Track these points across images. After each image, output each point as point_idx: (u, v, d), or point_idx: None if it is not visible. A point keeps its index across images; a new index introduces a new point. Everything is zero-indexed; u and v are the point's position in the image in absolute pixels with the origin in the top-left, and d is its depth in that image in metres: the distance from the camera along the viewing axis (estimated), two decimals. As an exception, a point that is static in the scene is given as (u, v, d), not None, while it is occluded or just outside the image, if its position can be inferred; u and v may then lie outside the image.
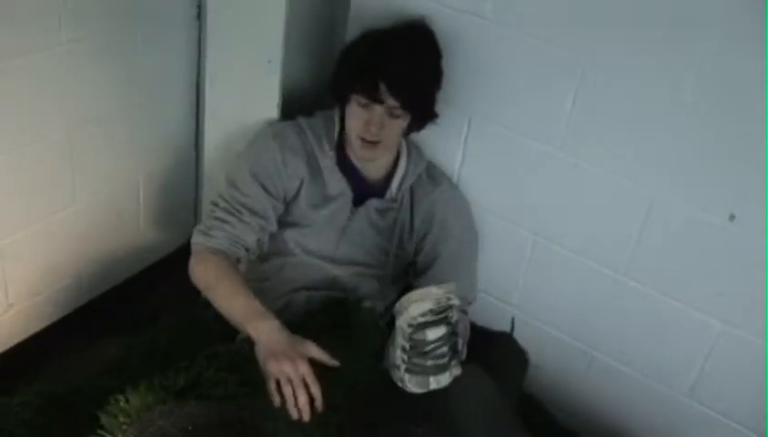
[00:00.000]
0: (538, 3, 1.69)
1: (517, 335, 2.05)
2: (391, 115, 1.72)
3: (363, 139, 1.74)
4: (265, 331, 1.54)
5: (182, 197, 2.50)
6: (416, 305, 1.51)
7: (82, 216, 2.15)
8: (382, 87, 1.68)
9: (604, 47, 1.65)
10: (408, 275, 1.96)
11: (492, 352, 1.99)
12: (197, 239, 1.77)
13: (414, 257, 1.91)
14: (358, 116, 1.73)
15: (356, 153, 1.80)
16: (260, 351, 1.52)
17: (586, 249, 1.85)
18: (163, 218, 2.46)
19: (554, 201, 1.85)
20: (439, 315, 1.52)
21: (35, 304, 2.15)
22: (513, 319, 2.03)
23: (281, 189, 1.79)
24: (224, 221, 1.75)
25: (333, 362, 1.52)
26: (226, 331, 1.92)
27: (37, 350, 2.16)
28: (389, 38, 1.73)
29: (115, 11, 1.97)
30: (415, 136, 1.91)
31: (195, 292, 2.36)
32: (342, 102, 1.76)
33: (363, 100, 1.71)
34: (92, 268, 2.28)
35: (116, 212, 2.27)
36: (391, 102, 1.70)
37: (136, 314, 2.35)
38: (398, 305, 1.56)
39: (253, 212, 1.76)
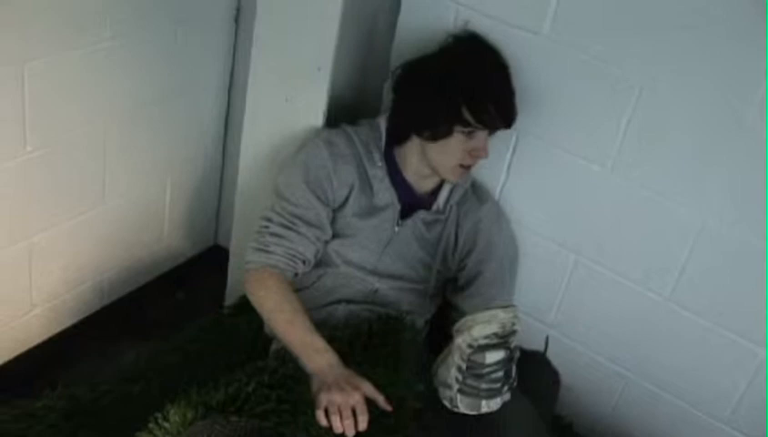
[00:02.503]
0: (598, 23, 1.67)
1: (550, 355, 2.03)
2: (490, 134, 1.72)
3: (462, 166, 1.73)
4: (322, 366, 1.55)
5: (206, 203, 2.48)
6: (481, 327, 1.49)
7: (109, 217, 2.13)
8: (492, 111, 1.67)
9: (663, 70, 1.64)
10: (445, 291, 1.93)
11: (525, 372, 1.97)
12: (254, 258, 1.72)
13: (456, 273, 1.89)
14: (461, 146, 1.70)
15: (447, 178, 1.79)
16: (315, 383, 1.53)
17: (630, 272, 1.83)
18: (187, 222, 2.44)
19: (600, 222, 1.83)
20: (501, 339, 1.50)
21: (57, 306, 2.13)
22: (547, 338, 2.01)
23: (332, 197, 1.76)
24: (281, 236, 1.72)
25: (386, 406, 1.51)
26: (257, 340, 1.90)
27: (57, 352, 2.14)
28: (472, 59, 1.71)
29: (156, 9, 1.95)
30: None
31: (214, 298, 2.34)
32: (440, 137, 1.70)
33: (468, 129, 1.68)
34: (114, 270, 2.26)
35: (142, 215, 2.25)
36: (498, 123, 1.69)
37: (155, 319, 2.34)
38: (459, 324, 1.54)
39: (308, 223, 1.73)
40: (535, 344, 2.04)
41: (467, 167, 1.75)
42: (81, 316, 2.21)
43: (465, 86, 1.67)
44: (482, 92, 1.67)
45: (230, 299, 2.25)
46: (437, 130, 1.69)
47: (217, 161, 2.42)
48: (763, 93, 1.55)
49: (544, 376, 2.04)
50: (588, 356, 1.98)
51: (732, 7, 1.53)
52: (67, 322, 2.18)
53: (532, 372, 2.02)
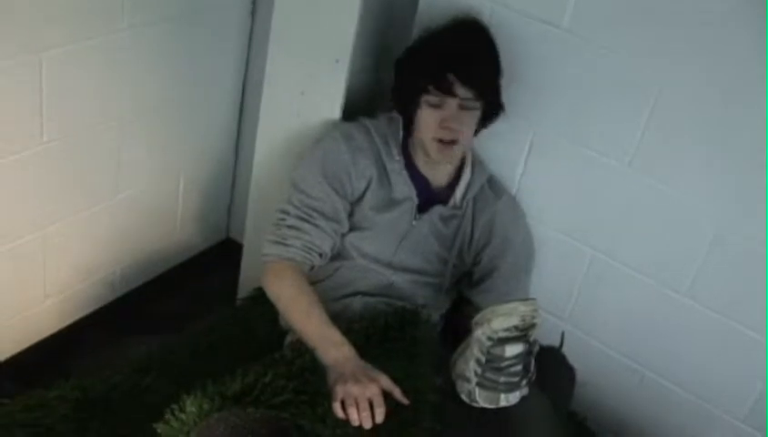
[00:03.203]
0: (620, 17, 1.67)
1: (565, 350, 2.02)
2: (463, 107, 1.69)
3: (440, 141, 1.71)
4: (338, 359, 1.54)
5: (219, 197, 2.48)
6: (501, 319, 1.48)
7: (123, 209, 2.12)
8: (451, 78, 1.66)
9: (684, 66, 1.63)
10: (460, 286, 1.92)
11: (540, 367, 1.96)
12: (271, 250, 1.72)
13: (471, 267, 1.88)
14: (431, 118, 1.70)
15: (432, 157, 1.76)
16: (331, 376, 1.52)
17: (647, 268, 1.82)
18: (200, 216, 2.43)
19: (617, 218, 1.82)
20: (521, 332, 1.49)
21: (70, 297, 2.13)
22: (563, 333, 1.99)
23: (350, 191, 1.76)
24: (298, 229, 1.71)
25: (403, 399, 1.50)
26: (271, 333, 1.90)
27: (69, 343, 2.14)
28: (448, 33, 1.72)
29: (172, 0, 1.94)
30: (477, 147, 1.89)
31: (225, 291, 2.34)
32: (410, 110, 1.72)
33: (434, 99, 1.68)
34: (126, 262, 2.25)
35: (155, 208, 2.25)
36: (463, 92, 1.67)
37: (166, 311, 2.33)
38: (479, 316, 1.52)
39: (325, 216, 1.72)
40: (550, 339, 2.02)
41: (446, 143, 1.72)
42: (93, 307, 2.21)
43: (430, 55, 1.70)
44: (443, 60, 1.68)
45: (243, 292, 2.24)
46: (410, 103, 1.71)
47: (230, 155, 2.42)
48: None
49: (559, 372, 2.02)
50: (604, 352, 1.97)
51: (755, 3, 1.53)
52: (80, 313, 2.17)
53: (548, 368, 2.01)
